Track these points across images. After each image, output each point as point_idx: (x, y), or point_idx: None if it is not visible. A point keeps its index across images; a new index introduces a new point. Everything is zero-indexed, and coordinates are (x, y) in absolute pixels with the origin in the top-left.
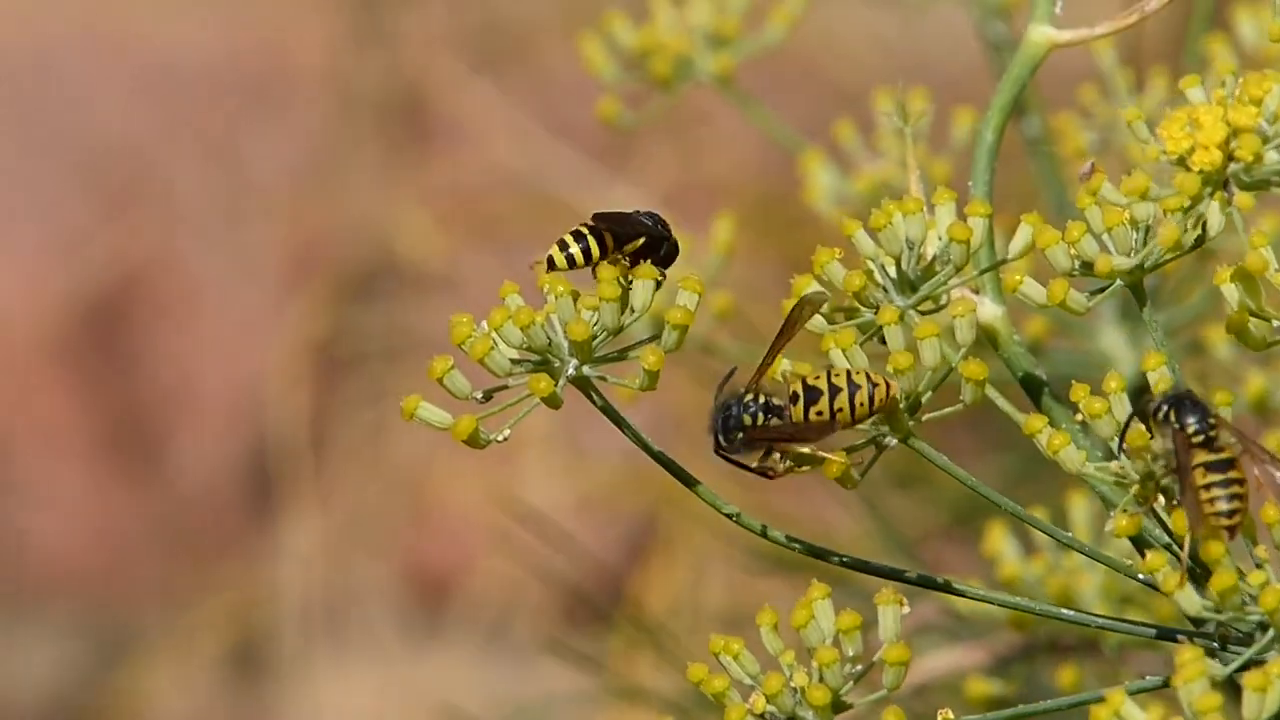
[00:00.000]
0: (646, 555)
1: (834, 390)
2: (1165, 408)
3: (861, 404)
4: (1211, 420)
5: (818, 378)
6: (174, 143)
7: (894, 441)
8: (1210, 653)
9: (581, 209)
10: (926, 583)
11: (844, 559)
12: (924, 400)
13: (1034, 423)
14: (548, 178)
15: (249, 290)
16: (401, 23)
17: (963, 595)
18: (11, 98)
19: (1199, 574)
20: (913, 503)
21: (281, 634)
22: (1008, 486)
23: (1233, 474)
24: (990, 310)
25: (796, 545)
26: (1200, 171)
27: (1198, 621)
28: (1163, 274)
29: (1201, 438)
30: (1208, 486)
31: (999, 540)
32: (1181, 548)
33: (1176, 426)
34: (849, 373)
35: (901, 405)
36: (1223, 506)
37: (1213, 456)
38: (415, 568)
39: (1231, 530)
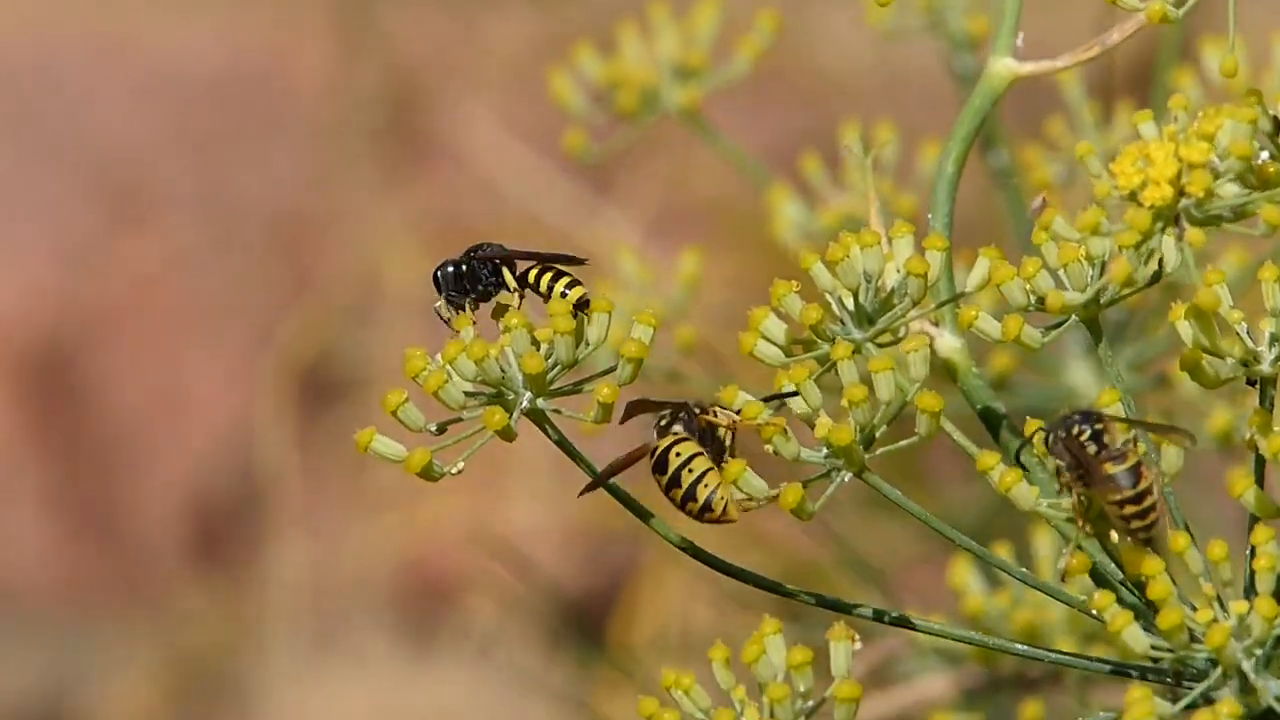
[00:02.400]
0: (635, 579)
1: (673, 480)
2: (1058, 430)
3: (691, 501)
4: (1098, 423)
5: (675, 450)
6: (170, 154)
7: (849, 476)
8: (1166, 688)
9: (569, 231)
10: (881, 616)
11: (792, 592)
12: (878, 434)
13: (986, 460)
14: (535, 199)
15: (237, 311)
16: (392, 43)
17: (917, 630)
18: (14, 103)
19: (1148, 612)
20: (901, 526)
21: (267, 659)
22: (988, 514)
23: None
24: (949, 343)
25: (748, 578)
26: (1151, 207)
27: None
28: (1130, 309)
29: (1089, 433)
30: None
31: (963, 574)
32: (1134, 586)
33: (1063, 435)
34: (705, 472)
35: (856, 439)
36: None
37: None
38: (402, 592)
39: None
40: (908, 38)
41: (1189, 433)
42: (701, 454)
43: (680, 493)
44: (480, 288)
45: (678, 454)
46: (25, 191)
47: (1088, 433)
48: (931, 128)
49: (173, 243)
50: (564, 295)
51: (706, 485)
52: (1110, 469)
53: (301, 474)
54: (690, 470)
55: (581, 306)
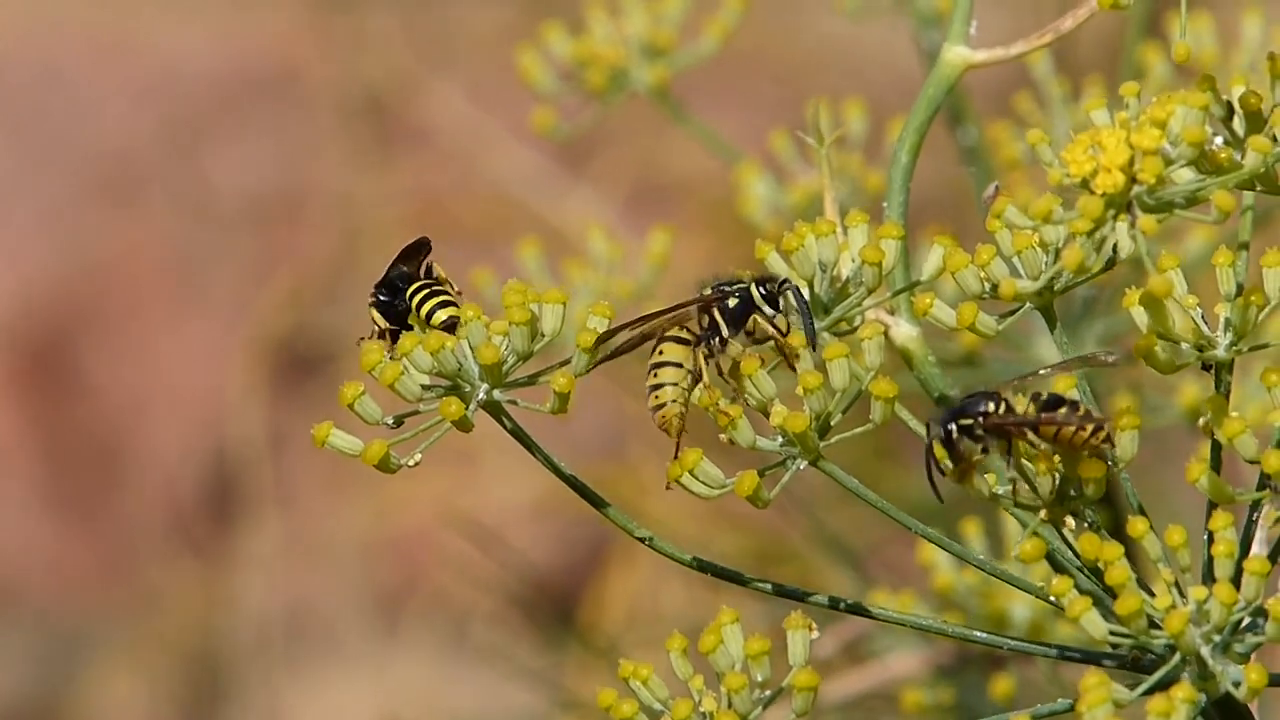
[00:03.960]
0: (607, 560)
1: (648, 372)
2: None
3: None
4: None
5: (661, 347)
6: (172, 150)
7: (804, 464)
8: (1128, 674)
9: (542, 212)
10: (835, 604)
11: (750, 580)
12: (833, 422)
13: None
14: (510, 180)
15: (231, 295)
16: (368, 28)
17: (874, 617)
18: (17, 107)
19: (1107, 598)
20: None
21: (241, 640)
22: (958, 500)
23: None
24: (905, 331)
25: (707, 569)
26: (1103, 194)
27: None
28: (1099, 284)
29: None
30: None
31: (932, 551)
32: (1092, 572)
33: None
34: (663, 385)
35: (811, 427)
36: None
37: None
38: (375, 573)
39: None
40: (876, 17)
41: (1108, 351)
42: (677, 365)
43: (646, 386)
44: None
45: (660, 351)
46: (31, 188)
47: (1003, 408)
48: (907, 111)
49: (162, 231)
50: (430, 317)
51: (657, 397)
52: (1033, 409)
53: (277, 451)
54: (655, 375)
55: (450, 328)
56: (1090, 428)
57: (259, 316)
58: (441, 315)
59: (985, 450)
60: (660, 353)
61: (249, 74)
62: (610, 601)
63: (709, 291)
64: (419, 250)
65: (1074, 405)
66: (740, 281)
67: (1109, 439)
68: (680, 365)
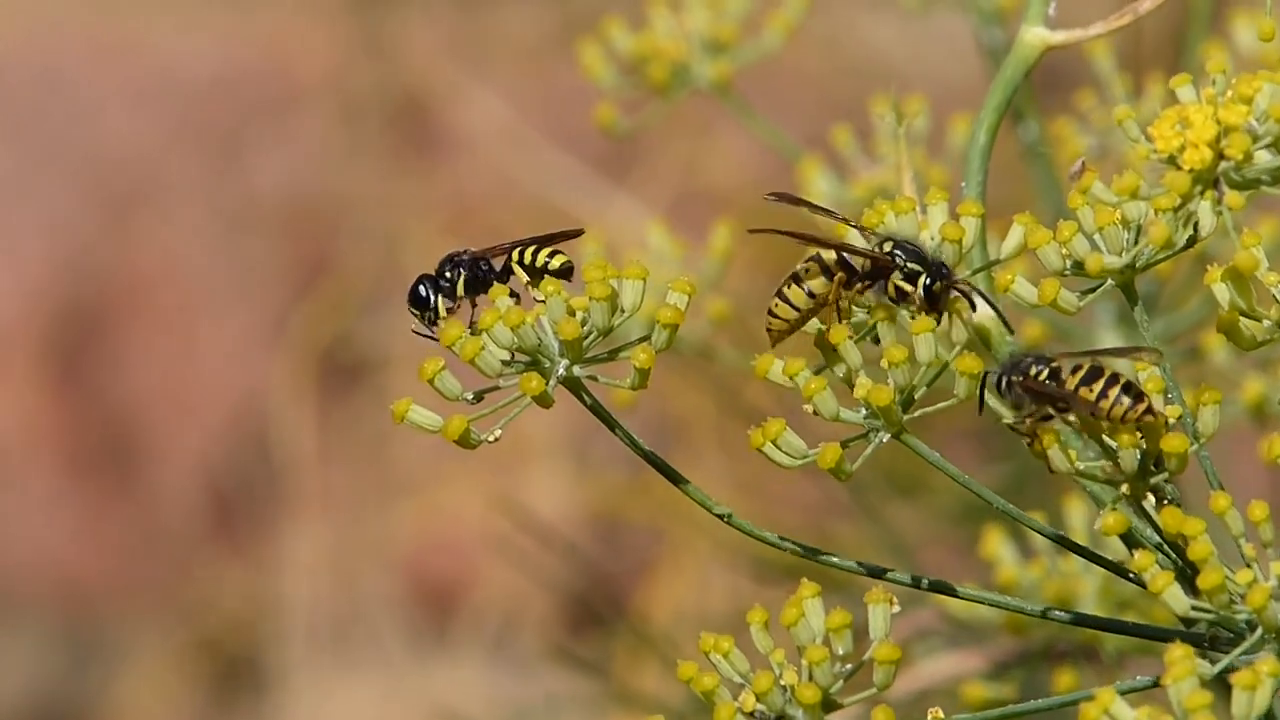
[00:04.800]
0: (651, 565)
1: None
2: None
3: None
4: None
5: (798, 269)
6: (178, 153)
7: (887, 436)
8: (1201, 652)
9: (583, 220)
10: (917, 582)
11: (835, 559)
12: (917, 396)
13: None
14: (550, 187)
15: (251, 300)
16: (404, 33)
17: (954, 595)
18: (19, 110)
19: (1188, 574)
20: (915, 512)
21: (285, 644)
22: (1008, 494)
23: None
24: (983, 310)
25: (789, 545)
26: (1190, 170)
27: (1189, 622)
28: (1161, 281)
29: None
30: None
31: (996, 544)
32: (1172, 549)
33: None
34: (782, 302)
35: (896, 400)
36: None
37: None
38: (420, 578)
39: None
40: (936, 13)
41: (1155, 349)
42: (796, 291)
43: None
44: (480, 285)
45: (793, 274)
46: (33, 191)
47: (1045, 372)
48: (949, 114)
49: (186, 232)
50: (546, 265)
51: (768, 313)
52: (1073, 381)
53: (318, 458)
54: (780, 291)
55: (564, 274)
56: (1129, 401)
57: (297, 320)
58: (556, 262)
59: (1029, 412)
60: (793, 274)
61: (266, 71)
62: (654, 611)
63: (888, 247)
64: (570, 236)
65: (1114, 378)
66: (919, 250)
67: (1150, 412)
68: (813, 295)
